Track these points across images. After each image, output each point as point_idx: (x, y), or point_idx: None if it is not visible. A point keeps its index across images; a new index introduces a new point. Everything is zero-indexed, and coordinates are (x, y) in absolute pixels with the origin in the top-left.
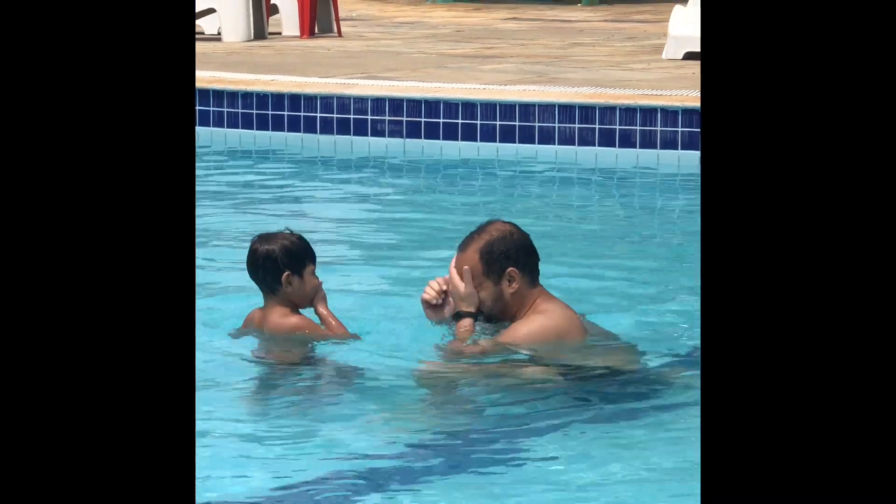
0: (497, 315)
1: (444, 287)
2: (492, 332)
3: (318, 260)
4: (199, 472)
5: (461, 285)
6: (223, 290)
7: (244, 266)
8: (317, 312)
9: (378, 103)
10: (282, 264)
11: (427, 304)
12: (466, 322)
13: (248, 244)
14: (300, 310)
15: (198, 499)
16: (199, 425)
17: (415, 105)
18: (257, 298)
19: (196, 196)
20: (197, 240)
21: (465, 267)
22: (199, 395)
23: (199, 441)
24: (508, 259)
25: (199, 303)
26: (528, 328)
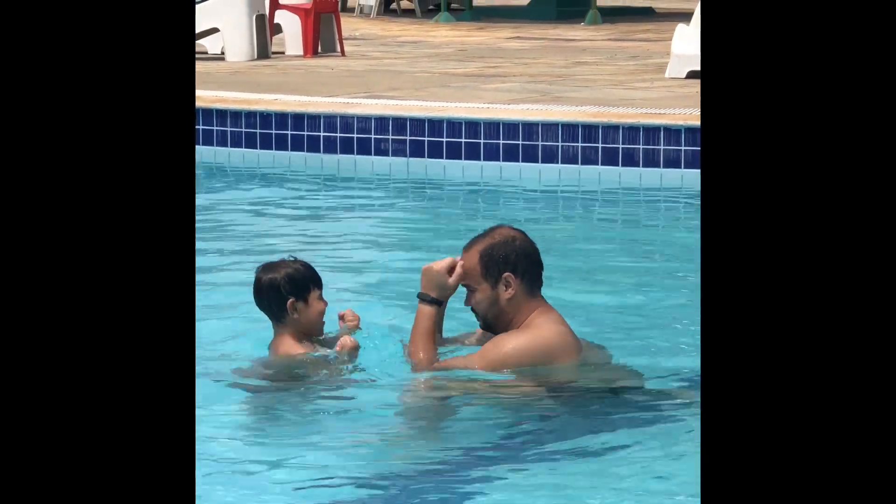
0: (492, 321)
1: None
2: (477, 344)
3: (321, 279)
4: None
5: (445, 273)
6: (225, 308)
7: (248, 288)
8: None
9: (381, 122)
10: (285, 292)
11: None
12: (427, 310)
13: (252, 262)
14: (311, 337)
15: None
16: (199, 449)
17: (418, 124)
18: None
19: (199, 215)
20: (199, 260)
21: (461, 263)
22: (203, 419)
23: (198, 466)
24: (507, 264)
25: (204, 323)
26: (514, 343)
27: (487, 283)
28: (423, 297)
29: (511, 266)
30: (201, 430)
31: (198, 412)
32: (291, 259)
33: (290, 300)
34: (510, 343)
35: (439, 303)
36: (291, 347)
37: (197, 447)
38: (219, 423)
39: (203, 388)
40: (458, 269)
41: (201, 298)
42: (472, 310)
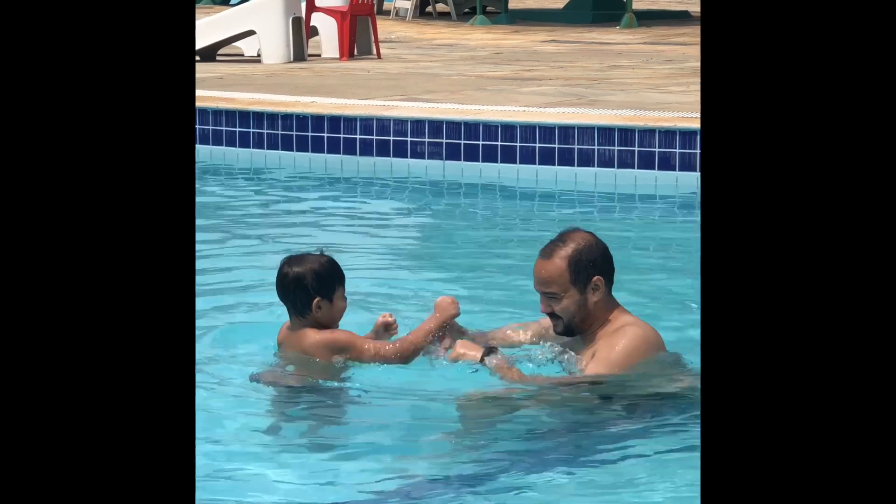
0: (577, 325)
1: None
2: (565, 361)
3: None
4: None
5: (474, 348)
6: (253, 309)
7: (274, 287)
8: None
9: (417, 125)
10: (312, 289)
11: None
12: (494, 362)
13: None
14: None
15: None
16: (214, 447)
17: (454, 127)
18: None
19: (235, 216)
20: (230, 259)
21: (452, 300)
22: (216, 417)
23: (211, 462)
24: (595, 268)
25: (225, 320)
26: (623, 345)
27: (576, 289)
28: (485, 362)
29: (599, 269)
30: (215, 422)
31: (210, 407)
32: (318, 253)
33: (316, 299)
34: (619, 346)
35: (492, 349)
36: (320, 335)
37: (205, 445)
38: (241, 419)
39: (216, 385)
40: (453, 307)
41: (234, 298)
42: (552, 315)
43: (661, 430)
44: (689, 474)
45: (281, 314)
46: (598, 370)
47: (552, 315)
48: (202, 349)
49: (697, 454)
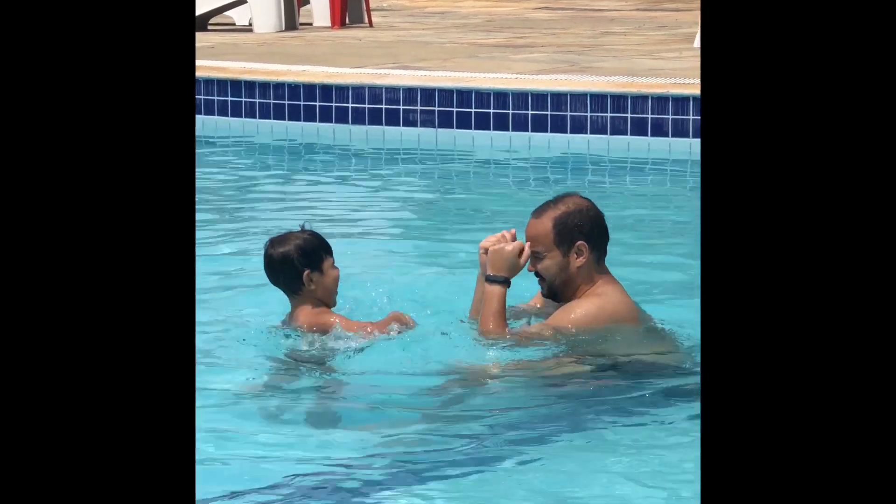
0: (559, 288)
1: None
2: (543, 315)
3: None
4: (206, 475)
5: (518, 253)
6: (248, 279)
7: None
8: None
9: (410, 93)
10: (299, 264)
11: (485, 251)
12: (499, 290)
13: (278, 233)
14: (332, 308)
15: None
16: (217, 423)
17: (446, 95)
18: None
19: (225, 186)
20: (224, 233)
21: (528, 245)
22: (220, 392)
23: (211, 443)
24: (581, 233)
25: (224, 299)
26: (583, 309)
27: (559, 251)
28: (494, 279)
29: (584, 235)
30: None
31: (215, 390)
32: (299, 230)
33: (306, 272)
34: (580, 309)
35: (509, 283)
36: (317, 316)
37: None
38: (240, 398)
39: (216, 366)
40: (527, 251)
41: (231, 267)
42: (537, 275)
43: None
44: (610, 435)
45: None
46: (541, 331)
47: (537, 274)
48: (199, 319)
49: (632, 421)
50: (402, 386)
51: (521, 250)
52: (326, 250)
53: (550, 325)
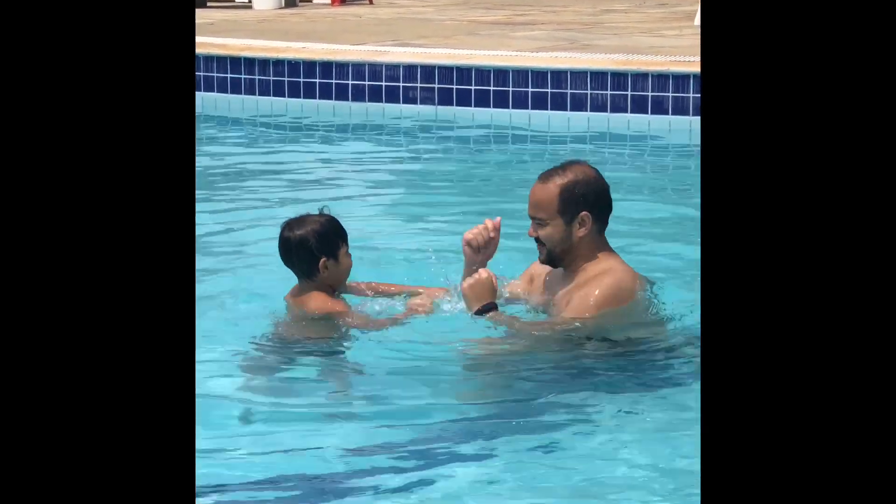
0: (558, 256)
1: (493, 234)
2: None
3: (351, 230)
4: (209, 463)
5: (489, 277)
6: (249, 262)
7: (275, 240)
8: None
9: (410, 71)
10: (316, 251)
11: (468, 244)
12: (494, 315)
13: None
14: (341, 294)
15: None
16: (225, 409)
17: (446, 72)
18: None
19: (227, 166)
20: (226, 212)
21: (497, 220)
22: (224, 378)
23: (209, 438)
24: (586, 203)
25: (228, 281)
26: (601, 292)
27: (562, 219)
28: (483, 310)
29: (589, 205)
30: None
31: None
32: (318, 214)
33: (323, 259)
34: (598, 292)
35: (496, 305)
36: (329, 305)
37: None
38: (245, 383)
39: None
40: (497, 225)
41: (231, 248)
42: (537, 240)
43: (626, 374)
44: (659, 414)
45: (275, 268)
46: (573, 315)
47: (537, 240)
48: (200, 307)
49: (664, 395)
50: (410, 377)
51: (490, 275)
52: (343, 237)
53: (574, 312)
